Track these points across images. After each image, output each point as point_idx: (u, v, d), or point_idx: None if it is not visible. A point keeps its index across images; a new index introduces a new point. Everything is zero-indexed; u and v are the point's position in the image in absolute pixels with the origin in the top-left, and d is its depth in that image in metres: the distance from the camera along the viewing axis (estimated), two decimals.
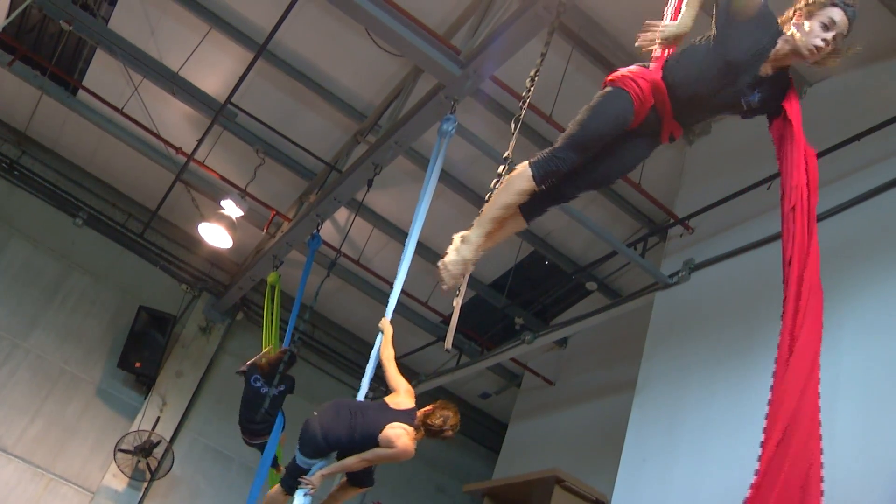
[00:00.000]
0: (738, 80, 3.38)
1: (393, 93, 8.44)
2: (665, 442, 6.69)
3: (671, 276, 7.78)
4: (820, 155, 6.57)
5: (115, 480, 9.86)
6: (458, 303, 3.64)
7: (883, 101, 6.46)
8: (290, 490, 5.55)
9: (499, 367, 11.48)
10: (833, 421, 5.35)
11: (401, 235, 10.00)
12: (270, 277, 9.08)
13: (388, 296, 10.61)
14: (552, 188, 3.44)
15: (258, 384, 7.56)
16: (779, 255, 6.67)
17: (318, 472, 5.30)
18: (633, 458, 6.96)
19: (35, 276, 10.37)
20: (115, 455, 9.67)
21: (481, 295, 10.68)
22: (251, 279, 10.23)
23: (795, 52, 3.31)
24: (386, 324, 5.99)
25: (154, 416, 10.36)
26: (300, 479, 5.33)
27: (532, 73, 4.72)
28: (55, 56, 9.24)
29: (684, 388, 6.83)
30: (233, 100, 8.41)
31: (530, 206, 3.46)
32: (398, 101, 7.98)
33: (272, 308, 8.80)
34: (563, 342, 10.67)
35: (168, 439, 10.22)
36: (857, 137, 6.34)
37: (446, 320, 10.97)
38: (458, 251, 3.34)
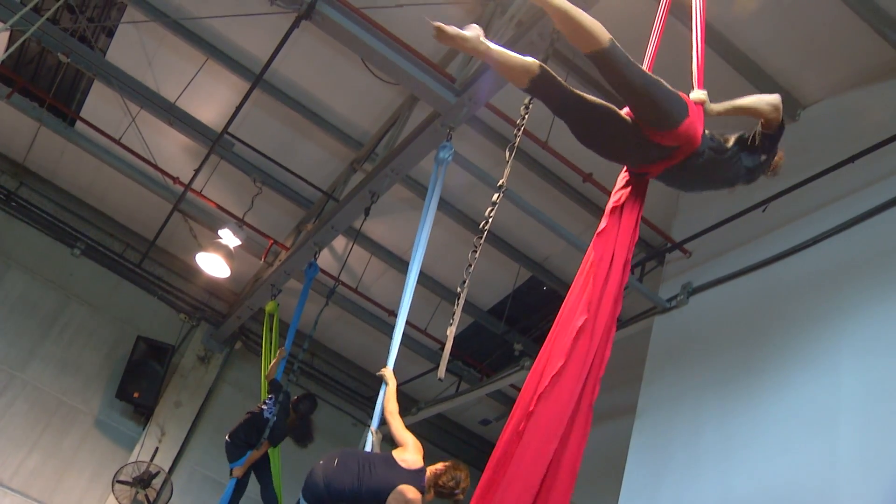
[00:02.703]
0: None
1: (389, 121, 8.48)
2: (667, 465, 6.66)
3: (669, 300, 7.78)
4: (814, 177, 6.66)
5: None
6: (451, 331, 3.62)
7: (876, 122, 6.50)
8: None
9: (498, 393, 11.44)
10: (835, 441, 5.35)
11: (399, 263, 10.01)
12: (269, 306, 9.07)
13: (387, 323, 10.63)
14: (563, 92, 3.33)
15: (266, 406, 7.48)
16: (777, 276, 6.74)
17: None
18: (634, 482, 6.92)
19: (33, 306, 10.36)
20: (113, 486, 9.59)
21: (480, 321, 10.66)
22: (249, 308, 10.21)
23: None
24: (389, 374, 5.71)
25: (153, 447, 10.30)
26: None
27: (526, 101, 4.74)
28: (53, 88, 9.29)
29: (685, 411, 6.81)
30: (230, 129, 8.44)
31: (542, 85, 3.34)
32: (394, 129, 8.02)
33: (271, 337, 8.77)
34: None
35: (167, 470, 10.16)
36: (852, 159, 6.37)
37: (444, 347, 10.94)
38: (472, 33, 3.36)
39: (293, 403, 7.50)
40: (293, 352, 8.50)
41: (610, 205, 3.55)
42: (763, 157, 3.64)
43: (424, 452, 5.18)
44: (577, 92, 3.29)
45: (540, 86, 3.26)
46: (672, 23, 4.06)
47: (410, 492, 4.88)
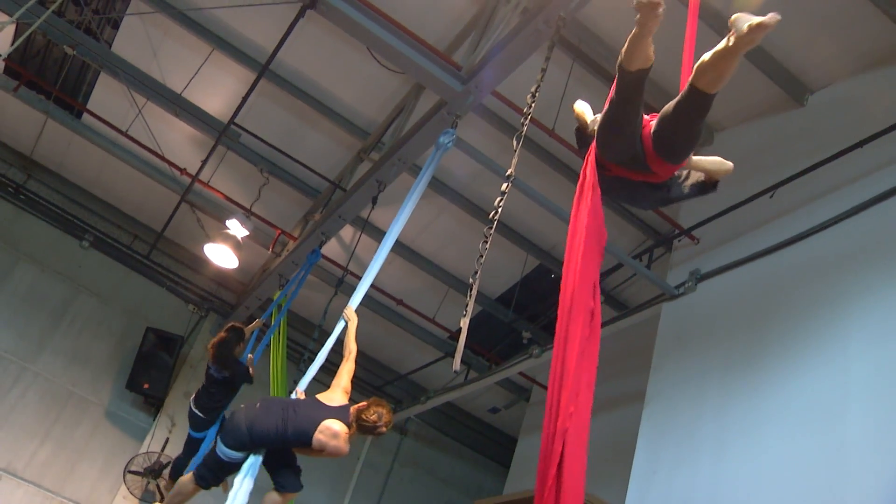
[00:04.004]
0: None
1: (395, 110, 8.47)
2: (676, 453, 6.66)
3: (677, 286, 7.77)
4: (822, 163, 6.64)
5: (125, 502, 9.86)
6: (465, 322, 3.62)
7: (885, 107, 6.47)
8: (204, 483, 5.35)
9: (507, 381, 11.46)
10: (844, 428, 5.34)
11: (406, 252, 10.02)
12: (277, 296, 9.08)
13: (395, 312, 10.65)
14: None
15: (210, 368, 7.37)
16: (785, 262, 6.73)
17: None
18: (643, 469, 6.93)
19: (42, 299, 10.41)
20: (124, 477, 9.66)
21: (488, 310, 10.67)
22: (258, 298, 10.23)
23: None
24: (351, 313, 5.75)
25: (163, 437, 10.35)
26: None
27: (533, 89, 4.73)
28: (59, 80, 9.30)
29: (694, 398, 6.81)
30: (236, 120, 8.44)
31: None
32: (401, 118, 8.01)
33: (279, 327, 8.79)
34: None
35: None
36: (860, 144, 6.35)
37: (454, 336, 10.96)
38: None
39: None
40: (302, 342, 8.51)
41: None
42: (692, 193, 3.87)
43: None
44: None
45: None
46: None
47: (336, 424, 4.93)
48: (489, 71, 6.15)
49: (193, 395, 7.48)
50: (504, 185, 4.16)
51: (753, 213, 7.32)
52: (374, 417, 5.00)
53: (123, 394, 10.47)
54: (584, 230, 3.47)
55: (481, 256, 3.89)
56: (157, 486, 9.83)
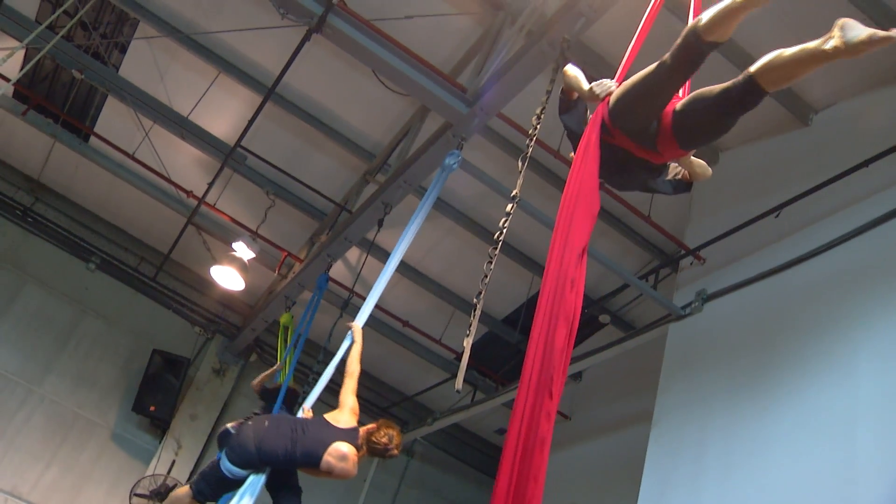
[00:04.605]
0: None
1: (401, 132, 8.50)
2: (683, 474, 6.63)
3: (684, 307, 7.75)
4: (828, 182, 6.64)
5: None
6: (468, 342, 3.62)
7: (890, 126, 6.47)
8: (201, 498, 5.18)
9: (513, 402, 11.41)
10: (852, 448, 5.30)
11: (412, 273, 10.02)
12: (283, 318, 9.07)
13: (401, 334, 10.62)
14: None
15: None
16: (792, 282, 6.71)
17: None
18: (651, 490, 6.89)
19: (49, 321, 10.43)
20: (130, 500, 9.62)
21: (494, 331, 10.65)
22: (264, 320, 10.24)
23: None
24: (357, 331, 5.67)
25: (169, 460, 10.33)
26: None
27: (538, 111, 4.75)
28: (67, 104, 9.37)
29: (701, 418, 6.78)
30: (242, 143, 8.48)
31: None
32: (406, 140, 8.03)
33: (286, 349, 8.78)
34: (577, 376, 10.62)
35: (184, 483, 10.16)
36: (866, 164, 6.35)
37: (459, 357, 10.94)
38: None
39: None
40: (308, 363, 8.48)
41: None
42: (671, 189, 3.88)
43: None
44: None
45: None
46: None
47: (345, 446, 4.88)
48: (494, 93, 6.18)
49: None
50: (509, 206, 4.17)
51: (759, 233, 7.31)
52: (384, 440, 4.99)
53: (129, 416, 10.46)
54: (577, 193, 3.32)
55: (486, 276, 3.89)
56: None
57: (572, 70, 3.83)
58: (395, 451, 5.04)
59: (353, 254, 9.66)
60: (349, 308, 8.28)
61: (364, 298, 9.92)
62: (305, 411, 5.40)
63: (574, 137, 3.86)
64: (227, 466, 5.02)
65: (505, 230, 4.04)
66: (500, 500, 2.77)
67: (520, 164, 4.49)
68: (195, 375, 11.01)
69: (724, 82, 3.16)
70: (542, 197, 8.52)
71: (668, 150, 3.44)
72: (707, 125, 3.33)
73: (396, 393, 12.23)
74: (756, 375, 6.45)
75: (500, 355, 10.92)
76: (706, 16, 3.07)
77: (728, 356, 6.93)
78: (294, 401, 7.57)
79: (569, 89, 3.85)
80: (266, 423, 5.06)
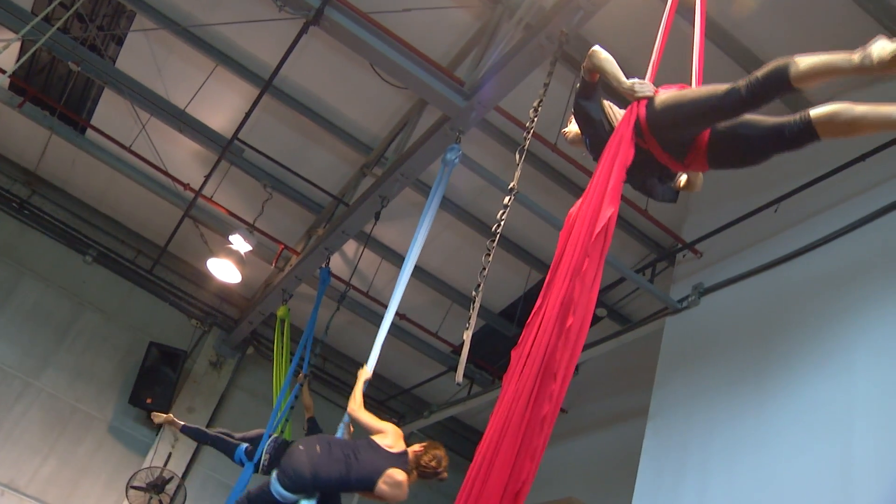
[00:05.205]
0: None
1: (398, 125, 8.49)
2: (680, 468, 6.64)
3: (681, 300, 7.77)
4: (826, 176, 6.64)
5: None
6: (468, 335, 3.62)
7: None
8: None
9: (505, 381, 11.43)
10: (850, 442, 5.32)
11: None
12: (280, 311, 9.08)
13: (398, 327, 10.61)
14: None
15: None
16: (789, 276, 6.72)
17: None
18: (647, 484, 6.90)
19: (46, 314, 10.42)
20: (127, 492, 9.62)
21: (491, 324, 10.66)
22: (261, 313, 10.24)
23: None
24: (364, 372, 5.69)
25: (166, 452, 10.34)
26: None
27: (535, 104, 4.74)
28: (64, 96, 9.34)
29: (698, 412, 6.79)
30: (239, 135, 8.46)
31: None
32: (403, 133, 8.03)
33: (283, 342, 8.79)
34: (574, 369, 10.61)
35: (180, 475, 10.19)
36: (863, 157, 6.35)
37: (457, 350, 10.95)
38: None
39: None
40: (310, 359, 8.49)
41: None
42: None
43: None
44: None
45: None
46: (675, 21, 4.05)
47: (399, 474, 4.93)
48: (492, 86, 6.17)
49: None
50: (507, 199, 4.16)
51: (757, 227, 7.32)
52: (433, 463, 5.05)
53: (127, 409, 10.45)
54: (603, 187, 3.19)
55: (484, 269, 3.89)
56: (160, 502, 9.80)
57: (605, 54, 3.62)
58: (445, 475, 5.10)
59: (350, 247, 9.66)
60: (346, 301, 8.30)
61: (360, 291, 10.01)
62: (347, 426, 5.40)
63: (590, 124, 3.72)
64: (278, 490, 5.06)
65: (503, 223, 4.04)
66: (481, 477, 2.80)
67: (517, 156, 4.48)
68: (192, 368, 11.01)
69: (777, 116, 3.15)
70: (540, 191, 8.53)
71: (695, 164, 3.41)
72: (746, 154, 3.30)
73: (393, 386, 12.24)
74: (753, 369, 6.46)
75: (498, 348, 10.92)
76: (804, 63, 2.95)
77: (725, 350, 6.95)
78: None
79: (594, 71, 3.63)
80: (318, 447, 5.08)
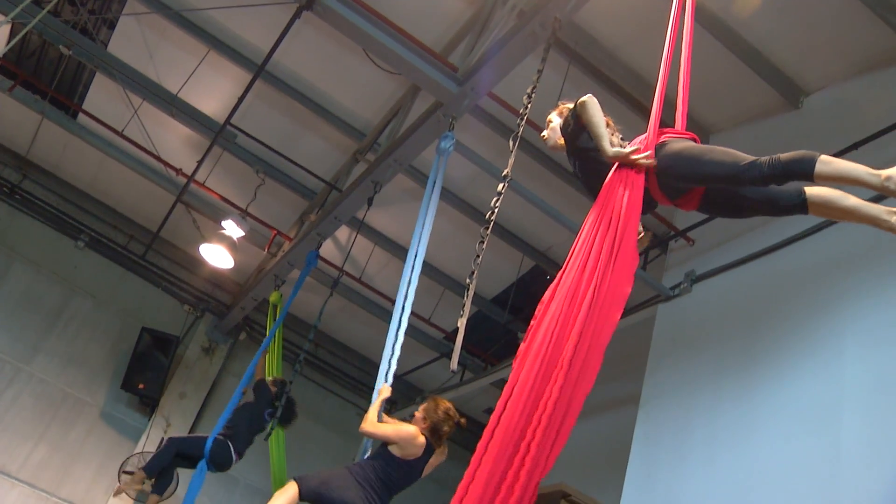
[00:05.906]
0: None
1: (391, 111, 8.47)
2: (670, 455, 6.67)
3: (672, 288, 7.79)
4: None
5: (120, 503, 9.83)
6: (462, 322, 3.63)
7: (880, 109, 6.48)
8: None
9: (503, 382, 11.42)
10: (839, 431, 5.35)
11: (402, 253, 10.00)
12: (272, 297, 9.07)
13: (390, 313, 10.64)
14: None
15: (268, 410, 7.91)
16: (781, 264, 6.74)
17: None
18: (638, 471, 6.94)
19: (37, 299, 10.39)
20: (119, 477, 9.62)
21: (484, 311, 10.67)
22: (253, 299, 10.23)
23: None
24: (382, 390, 5.61)
25: (158, 438, 10.32)
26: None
27: (529, 90, 4.74)
28: (55, 81, 9.29)
29: (689, 400, 6.82)
30: (232, 121, 8.44)
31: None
32: (396, 119, 8.01)
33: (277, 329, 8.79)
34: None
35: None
36: (855, 146, 6.35)
37: (449, 336, 10.97)
38: None
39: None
40: (298, 342, 8.52)
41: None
42: None
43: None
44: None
45: None
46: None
47: (434, 459, 5.38)
48: (485, 73, 6.17)
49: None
50: (500, 186, 4.17)
51: None
52: (450, 423, 5.37)
53: (119, 394, 10.45)
54: (620, 241, 3.43)
55: (478, 257, 3.89)
56: (152, 487, 9.81)
57: (595, 109, 3.71)
58: (455, 417, 5.40)
59: (343, 232, 9.65)
60: (338, 287, 8.29)
61: (353, 277, 10.00)
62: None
63: (580, 153, 3.86)
64: None
65: (497, 210, 4.04)
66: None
67: (511, 143, 4.48)
68: (184, 354, 11.01)
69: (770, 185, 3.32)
70: (533, 178, 8.52)
71: (685, 205, 3.57)
72: (740, 212, 3.48)
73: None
74: (744, 357, 6.49)
75: (490, 335, 10.95)
76: (831, 167, 3.09)
77: (716, 337, 6.97)
78: (268, 397, 7.80)
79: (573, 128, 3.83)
80: (363, 493, 4.97)
